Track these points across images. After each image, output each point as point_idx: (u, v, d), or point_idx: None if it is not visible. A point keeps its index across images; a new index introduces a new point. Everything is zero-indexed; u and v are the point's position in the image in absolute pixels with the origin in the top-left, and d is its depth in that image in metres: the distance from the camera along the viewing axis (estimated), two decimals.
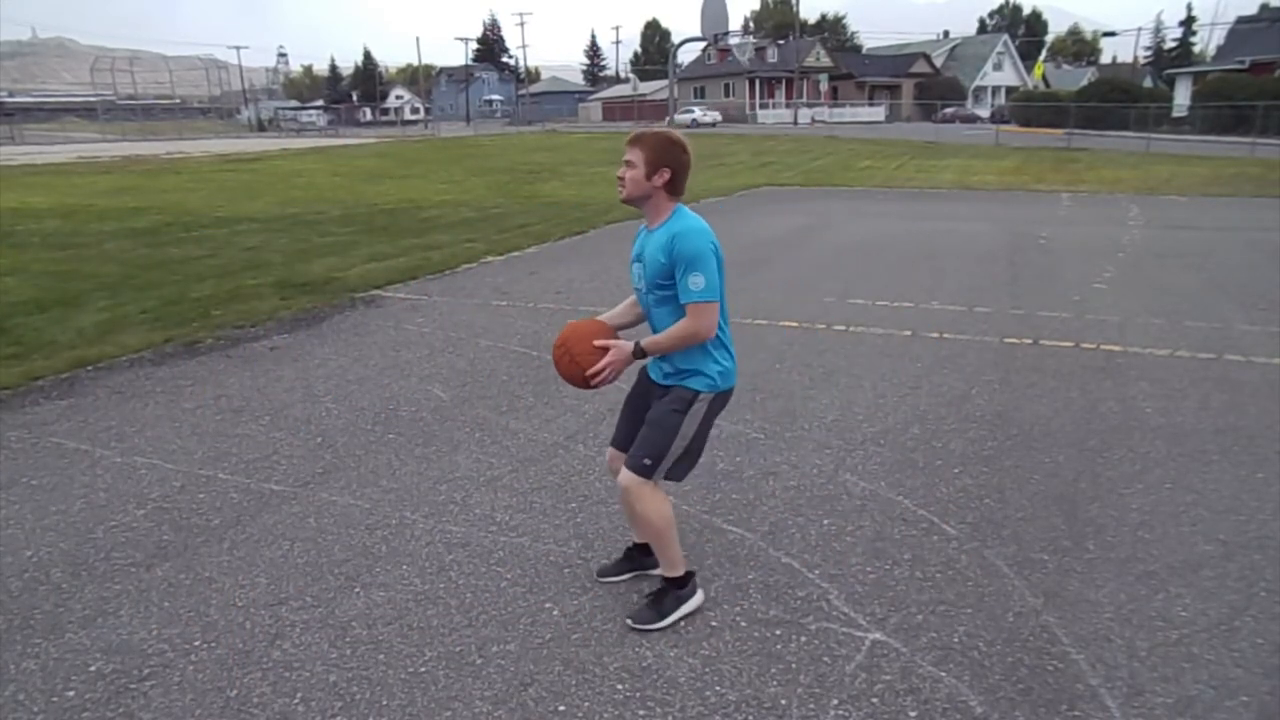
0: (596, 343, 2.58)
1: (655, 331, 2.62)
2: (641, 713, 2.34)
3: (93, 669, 2.53)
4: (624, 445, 2.77)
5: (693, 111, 50.29)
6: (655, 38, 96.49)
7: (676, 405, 2.58)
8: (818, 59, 63.74)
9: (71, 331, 6.27)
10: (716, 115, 48.04)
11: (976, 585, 2.93)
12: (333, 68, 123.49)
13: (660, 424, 2.59)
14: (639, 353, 2.54)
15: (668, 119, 52.54)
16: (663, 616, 2.71)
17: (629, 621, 2.72)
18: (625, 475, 2.61)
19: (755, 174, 21.24)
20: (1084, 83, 51.76)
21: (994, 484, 3.74)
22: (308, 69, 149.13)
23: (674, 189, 2.55)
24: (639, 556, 2.98)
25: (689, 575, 2.79)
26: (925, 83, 63.89)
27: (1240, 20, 45.92)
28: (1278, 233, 11.15)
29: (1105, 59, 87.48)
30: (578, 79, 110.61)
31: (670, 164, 2.51)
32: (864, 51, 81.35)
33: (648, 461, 2.58)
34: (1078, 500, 3.57)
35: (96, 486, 3.75)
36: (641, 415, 2.71)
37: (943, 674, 2.48)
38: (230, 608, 2.83)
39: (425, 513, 3.50)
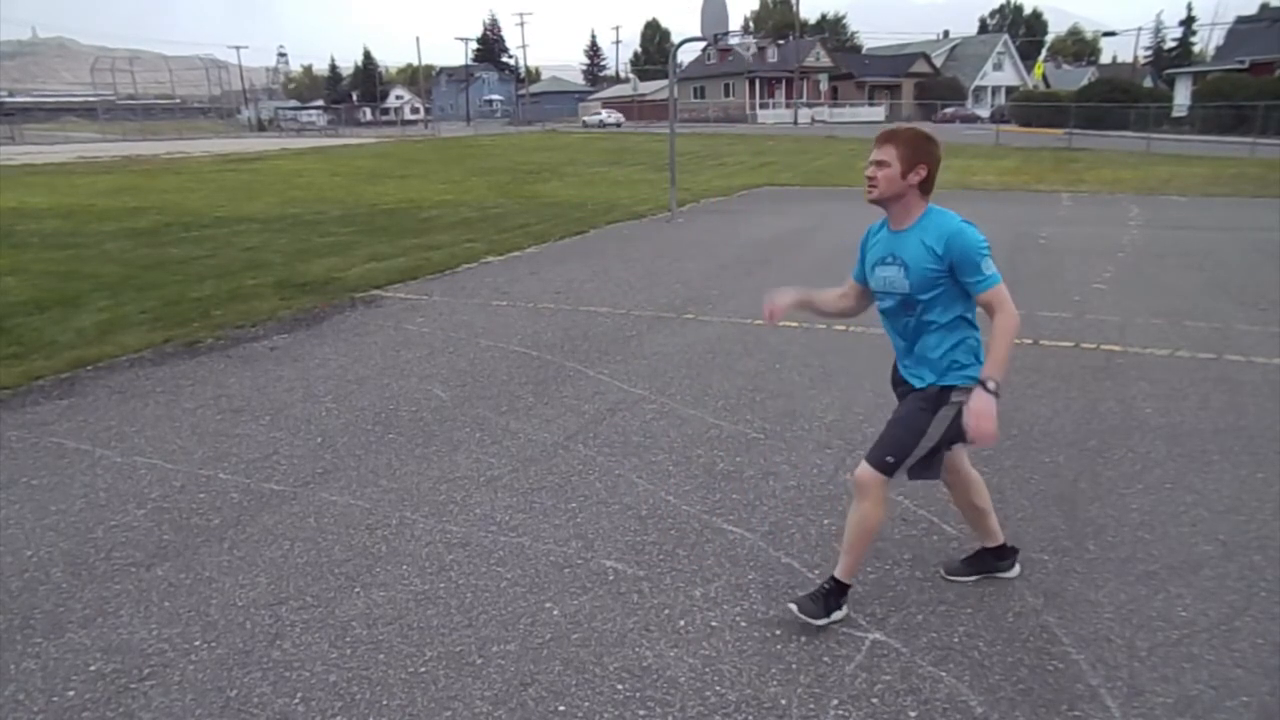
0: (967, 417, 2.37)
1: (909, 344, 2.57)
2: (641, 713, 2.34)
3: (93, 669, 2.53)
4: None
5: (600, 114, 57.96)
6: (655, 38, 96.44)
7: (924, 404, 2.53)
8: (818, 59, 63.77)
9: (71, 331, 6.27)
10: (620, 116, 56.57)
11: (976, 585, 2.93)
12: (333, 68, 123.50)
13: (906, 422, 2.54)
14: (994, 390, 2.34)
15: (582, 121, 55.35)
16: (827, 613, 2.67)
17: (792, 607, 2.66)
18: (864, 469, 2.55)
19: (755, 174, 21.23)
20: (1084, 83, 51.76)
21: (994, 484, 3.73)
22: (308, 69, 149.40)
23: (927, 187, 2.48)
24: (990, 560, 2.93)
25: (847, 587, 2.73)
26: (925, 83, 63.86)
27: (1240, 20, 45.95)
28: (1278, 233, 11.14)
29: (1105, 59, 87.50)
30: (578, 79, 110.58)
31: (926, 160, 2.41)
32: (864, 51, 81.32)
33: (890, 459, 2.52)
34: (1078, 500, 3.57)
35: (96, 486, 3.75)
36: None
37: (943, 674, 2.48)
38: (230, 608, 2.83)
39: (425, 513, 3.50)
